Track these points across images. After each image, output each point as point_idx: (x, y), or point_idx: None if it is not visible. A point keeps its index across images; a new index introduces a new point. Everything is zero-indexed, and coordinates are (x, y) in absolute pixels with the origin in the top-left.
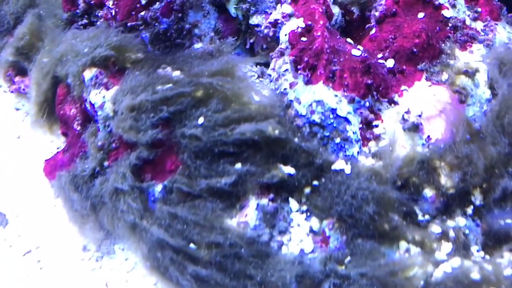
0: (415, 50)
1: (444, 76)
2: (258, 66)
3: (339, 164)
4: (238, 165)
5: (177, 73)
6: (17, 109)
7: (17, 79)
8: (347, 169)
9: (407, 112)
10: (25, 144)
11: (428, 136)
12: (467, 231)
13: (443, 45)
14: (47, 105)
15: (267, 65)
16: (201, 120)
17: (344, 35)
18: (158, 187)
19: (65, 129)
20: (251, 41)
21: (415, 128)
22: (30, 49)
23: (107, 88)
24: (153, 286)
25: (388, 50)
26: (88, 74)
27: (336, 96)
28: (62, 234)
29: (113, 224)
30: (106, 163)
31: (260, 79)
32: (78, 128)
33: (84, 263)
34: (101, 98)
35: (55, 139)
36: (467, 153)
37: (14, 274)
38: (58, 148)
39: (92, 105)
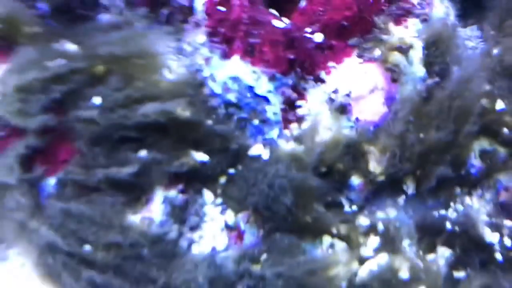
0: (345, 23)
1: (377, 53)
2: (173, 41)
3: (257, 149)
4: (143, 152)
5: (73, 47)
6: None
7: None
8: (265, 155)
9: (335, 91)
10: None
11: (357, 118)
12: (397, 224)
13: (376, 18)
14: None
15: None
16: (97, 100)
17: (274, 7)
18: (51, 180)
19: None
20: (166, 12)
21: (343, 109)
22: None
23: None
24: None
25: (317, 24)
26: None
27: (254, 72)
28: None
29: (1, 225)
30: None
31: (173, 55)
32: None
33: None
34: None
35: None
36: (401, 134)
37: None
38: None
39: None
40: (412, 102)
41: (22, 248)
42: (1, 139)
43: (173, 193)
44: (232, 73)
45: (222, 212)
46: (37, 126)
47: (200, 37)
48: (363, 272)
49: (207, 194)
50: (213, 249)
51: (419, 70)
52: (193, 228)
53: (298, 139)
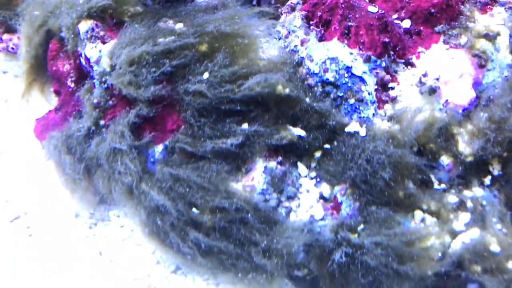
0: (433, 10)
1: (463, 40)
2: (266, 22)
3: (353, 126)
4: (245, 125)
5: (180, 26)
6: (5, 72)
7: (5, 37)
8: (362, 132)
9: (425, 75)
10: (14, 107)
11: (446, 101)
12: (484, 202)
13: (462, 6)
14: (39, 62)
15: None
16: (206, 75)
17: None
18: (159, 147)
19: (57, 86)
20: None
21: (433, 92)
22: (17, 5)
23: (104, 42)
24: (150, 255)
25: (404, 11)
26: (84, 26)
27: (351, 54)
28: (53, 200)
29: (109, 187)
30: (102, 122)
31: (267, 38)
32: (72, 85)
33: (77, 230)
34: (97, 52)
35: (46, 102)
36: (499, 119)
37: (1, 241)
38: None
39: (88, 60)
40: (510, 89)
41: (129, 209)
42: (111, 107)
43: (272, 164)
44: (331, 54)
45: (317, 184)
46: (148, 96)
47: (296, 20)
48: (456, 245)
49: (302, 167)
50: (311, 217)
51: (507, 56)
52: (290, 198)
53: (392, 119)
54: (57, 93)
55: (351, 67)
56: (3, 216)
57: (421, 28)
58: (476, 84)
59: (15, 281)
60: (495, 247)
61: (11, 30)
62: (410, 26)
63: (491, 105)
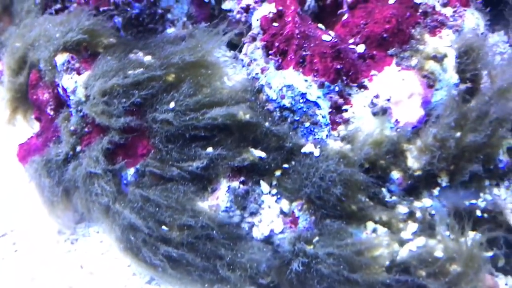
0: (385, 35)
1: (414, 61)
2: (231, 51)
3: (308, 147)
4: (210, 149)
5: (148, 58)
6: None
7: None
8: (316, 152)
9: (376, 96)
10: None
11: (396, 120)
12: (433, 212)
13: (413, 30)
14: (21, 90)
15: (239, 50)
16: (172, 104)
17: (317, 20)
18: (131, 171)
19: (38, 113)
20: (224, 26)
21: (384, 112)
22: (1, 33)
23: (79, 73)
24: (127, 267)
25: (359, 36)
26: (60, 59)
27: (306, 81)
28: (37, 218)
29: (87, 207)
30: (79, 148)
31: (234, 64)
32: (51, 113)
33: (60, 246)
34: (73, 83)
35: (29, 127)
36: (442, 138)
37: None
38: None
39: (65, 90)
40: (453, 109)
41: (106, 226)
42: (87, 134)
43: (235, 183)
44: (287, 82)
45: (277, 200)
46: (119, 126)
47: (256, 50)
48: (403, 253)
49: (264, 185)
50: (271, 231)
51: (453, 76)
52: (253, 214)
53: (344, 139)
54: (38, 119)
55: (306, 93)
56: None
57: (374, 52)
58: (425, 103)
59: None
60: (439, 253)
61: None
62: (364, 50)
63: (436, 124)
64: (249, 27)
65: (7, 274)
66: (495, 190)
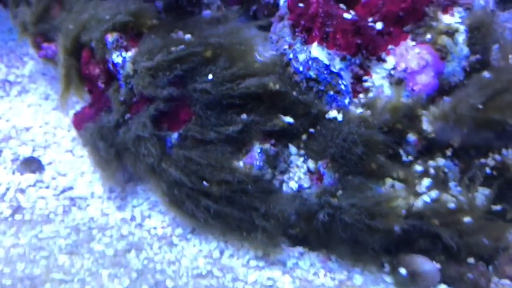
0: (401, 14)
1: (428, 36)
2: (261, 31)
3: (332, 113)
4: (244, 115)
5: (188, 36)
6: (44, 74)
7: (44, 45)
8: (339, 117)
9: (393, 68)
10: (53, 103)
11: (412, 88)
12: (445, 169)
13: (426, 8)
14: (74, 67)
15: (268, 29)
16: (210, 76)
17: (339, 1)
18: (174, 135)
19: (90, 86)
20: (254, 8)
21: (400, 82)
22: (54, 18)
23: (127, 50)
24: (171, 220)
25: (377, 14)
26: (110, 38)
27: (329, 54)
28: (91, 178)
29: (135, 167)
30: (127, 115)
31: (263, 42)
32: (102, 85)
33: (111, 201)
34: (122, 59)
35: (81, 99)
36: (455, 105)
37: (51, 210)
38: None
39: (115, 65)
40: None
41: (152, 183)
42: (135, 104)
43: (267, 145)
44: (312, 55)
45: (304, 160)
46: (164, 96)
47: (284, 28)
48: (418, 203)
49: (292, 147)
50: (300, 186)
51: (464, 49)
52: (283, 172)
53: (365, 105)
54: (90, 92)
55: (329, 65)
56: (49, 192)
57: (391, 29)
58: (438, 74)
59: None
60: (451, 205)
61: (49, 39)
62: (382, 27)
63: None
64: (277, 8)
65: (66, 228)
66: (504, 150)
